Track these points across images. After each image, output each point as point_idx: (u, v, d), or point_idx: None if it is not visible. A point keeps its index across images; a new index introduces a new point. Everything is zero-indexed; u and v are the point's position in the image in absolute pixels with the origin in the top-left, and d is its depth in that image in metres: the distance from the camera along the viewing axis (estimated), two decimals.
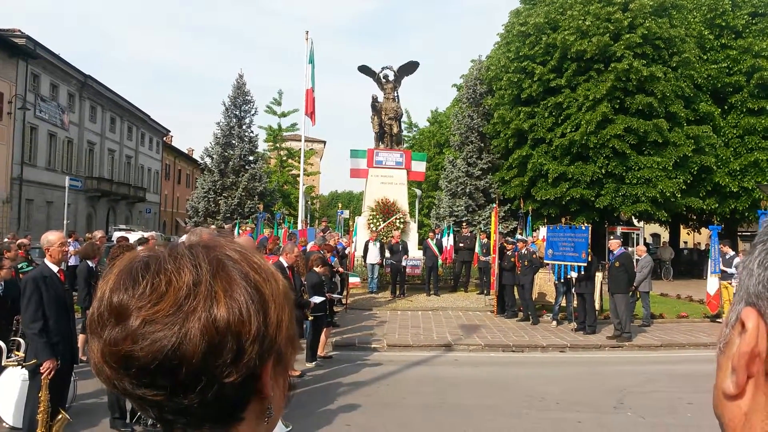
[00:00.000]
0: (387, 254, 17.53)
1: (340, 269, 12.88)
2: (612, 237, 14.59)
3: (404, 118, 31.90)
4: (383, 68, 22.12)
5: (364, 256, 17.66)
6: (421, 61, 22.13)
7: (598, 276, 13.25)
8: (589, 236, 12.77)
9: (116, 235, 18.97)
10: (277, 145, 40.15)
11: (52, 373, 5.08)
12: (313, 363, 9.41)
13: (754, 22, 26.40)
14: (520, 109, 26.14)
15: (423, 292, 17.54)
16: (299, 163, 26.20)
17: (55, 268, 5.38)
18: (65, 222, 19.13)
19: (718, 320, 14.34)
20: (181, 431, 0.74)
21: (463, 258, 18.42)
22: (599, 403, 7.74)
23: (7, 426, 6.08)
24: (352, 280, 13.22)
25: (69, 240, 16.27)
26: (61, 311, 5.33)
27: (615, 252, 12.45)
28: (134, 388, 0.71)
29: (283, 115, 39.00)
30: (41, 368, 5.08)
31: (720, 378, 0.62)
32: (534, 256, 13.89)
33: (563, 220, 18.43)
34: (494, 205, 18.04)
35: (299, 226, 20.60)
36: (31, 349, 5.22)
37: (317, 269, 9.47)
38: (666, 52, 24.49)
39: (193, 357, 0.68)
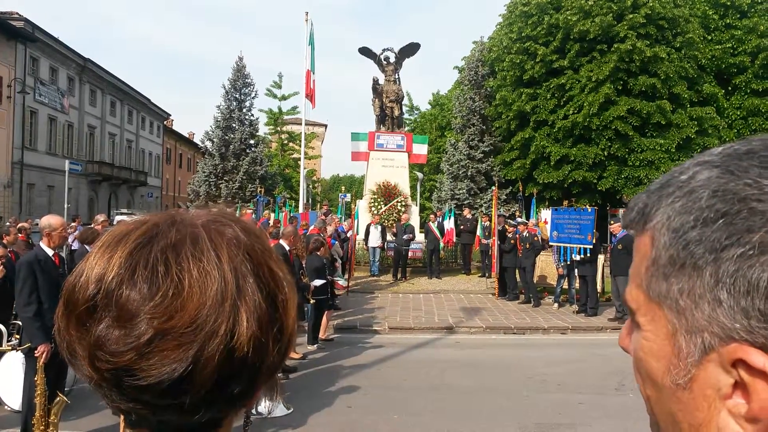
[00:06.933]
0: (389, 237, 17.52)
1: (337, 264, 12.64)
2: (612, 221, 14.54)
3: (405, 101, 31.68)
4: (384, 50, 21.95)
5: (366, 240, 17.66)
6: (422, 43, 21.98)
7: (600, 258, 13.20)
8: (596, 219, 12.70)
9: (117, 219, 19.00)
10: (278, 128, 39.97)
11: (47, 356, 5.06)
12: (315, 345, 9.44)
13: (759, 1, 26.01)
14: (522, 91, 25.91)
15: (424, 275, 17.57)
16: (300, 146, 26.09)
17: (50, 252, 5.33)
18: (66, 206, 19.09)
19: None
20: None
21: (465, 241, 18.42)
22: (600, 385, 7.74)
23: (8, 409, 6.11)
24: (338, 281, 12.60)
25: (73, 224, 16.32)
26: (56, 295, 5.26)
27: (617, 235, 12.40)
28: (121, 400, 0.62)
29: (284, 98, 38.77)
30: (36, 352, 5.06)
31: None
32: (536, 238, 13.85)
33: (565, 203, 18.35)
34: (494, 187, 17.99)
35: (300, 210, 20.57)
36: (25, 333, 5.20)
37: (318, 252, 9.45)
38: (670, 32, 24.19)
39: (205, 385, 0.60)
